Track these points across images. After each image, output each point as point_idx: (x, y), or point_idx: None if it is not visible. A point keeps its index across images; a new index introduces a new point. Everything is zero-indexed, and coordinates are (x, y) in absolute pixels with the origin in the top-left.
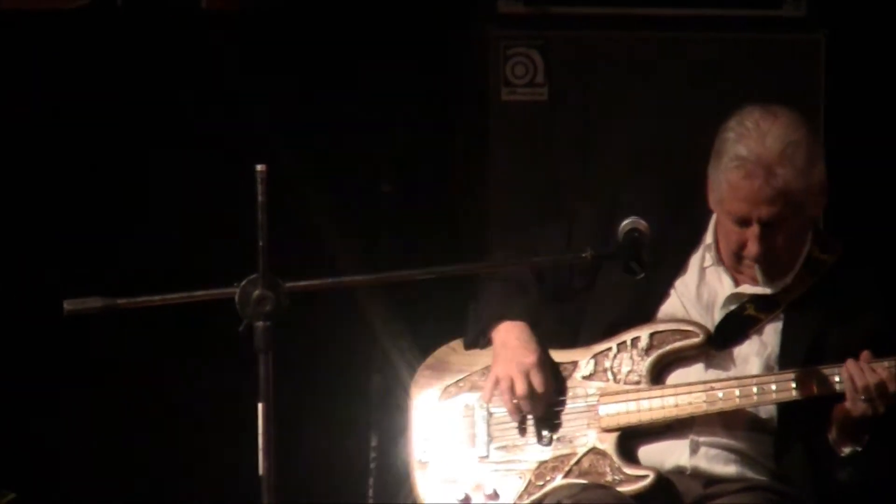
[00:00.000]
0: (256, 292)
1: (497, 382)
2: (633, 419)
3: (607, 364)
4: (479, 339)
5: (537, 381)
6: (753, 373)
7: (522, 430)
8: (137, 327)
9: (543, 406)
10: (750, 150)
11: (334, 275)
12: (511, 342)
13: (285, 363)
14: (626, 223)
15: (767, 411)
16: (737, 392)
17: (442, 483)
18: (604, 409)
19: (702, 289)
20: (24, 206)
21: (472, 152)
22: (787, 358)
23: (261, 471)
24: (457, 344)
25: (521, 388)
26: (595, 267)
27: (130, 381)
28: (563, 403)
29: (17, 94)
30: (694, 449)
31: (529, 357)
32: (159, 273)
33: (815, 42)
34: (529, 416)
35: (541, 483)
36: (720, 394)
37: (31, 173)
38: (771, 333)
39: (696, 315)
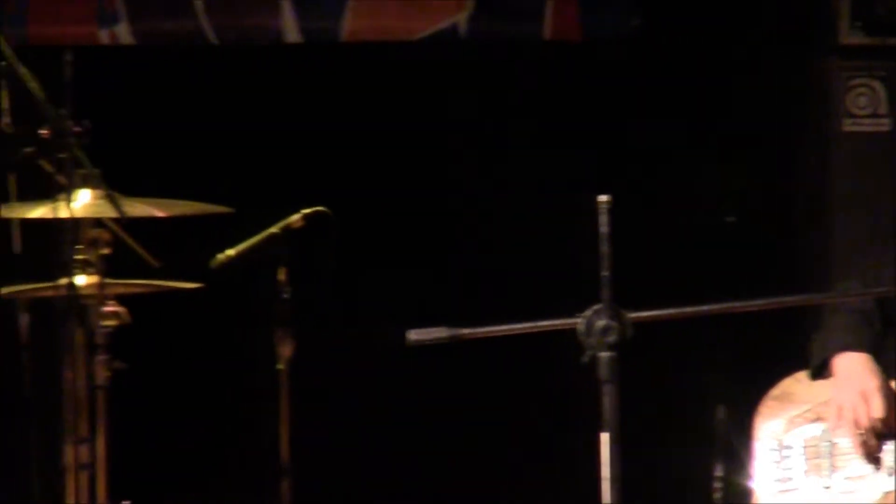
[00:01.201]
0: (601, 322)
1: (840, 412)
2: None
3: None
4: (822, 370)
5: (880, 411)
6: None
7: (866, 460)
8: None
9: (887, 435)
10: None
11: (676, 305)
12: (854, 373)
13: (628, 392)
14: None
15: None
16: None
17: None
18: None
19: None
20: (363, 227)
21: (814, 182)
22: None
23: (606, 499)
24: (802, 375)
25: (864, 418)
26: None
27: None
28: None
29: (362, 120)
30: None
31: (872, 387)
32: (496, 302)
33: None
34: (873, 446)
35: None
36: None
37: (377, 201)
38: None
39: None
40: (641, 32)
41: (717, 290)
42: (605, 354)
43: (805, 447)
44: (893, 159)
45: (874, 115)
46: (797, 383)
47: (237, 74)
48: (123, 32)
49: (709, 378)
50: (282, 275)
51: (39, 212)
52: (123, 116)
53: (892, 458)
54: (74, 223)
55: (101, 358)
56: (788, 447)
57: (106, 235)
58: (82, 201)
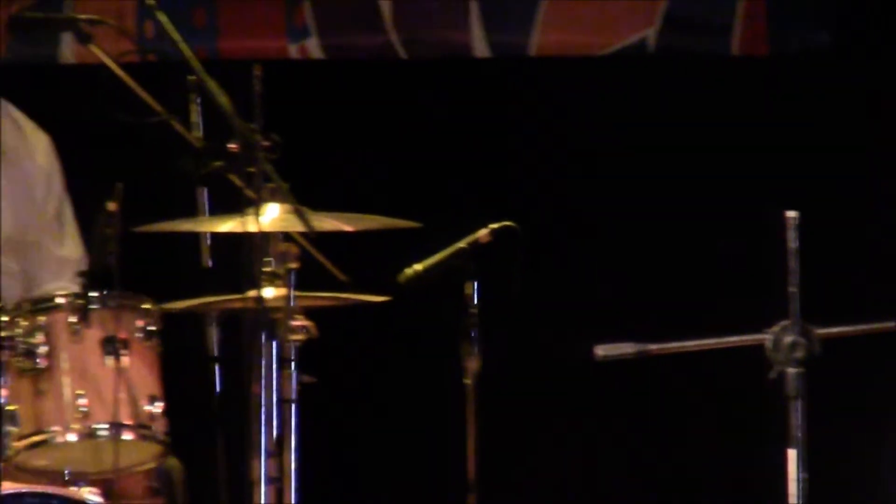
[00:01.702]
0: (789, 339)
1: None
2: None
3: None
4: None
5: None
6: None
7: None
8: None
9: None
10: None
11: (868, 321)
12: None
13: (817, 408)
14: None
15: None
16: None
17: None
18: None
19: None
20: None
21: None
22: None
23: None
24: None
25: None
26: None
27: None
28: None
29: (548, 134)
30: None
31: None
32: (683, 317)
33: None
34: None
35: None
36: None
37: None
38: None
39: None
40: (830, 46)
41: None
42: (792, 370)
43: None
44: None
45: None
46: None
47: (425, 88)
48: (313, 47)
49: None
50: (469, 289)
51: (228, 226)
52: (312, 130)
53: None
54: (263, 237)
55: (288, 371)
56: None
57: (294, 249)
58: (271, 215)
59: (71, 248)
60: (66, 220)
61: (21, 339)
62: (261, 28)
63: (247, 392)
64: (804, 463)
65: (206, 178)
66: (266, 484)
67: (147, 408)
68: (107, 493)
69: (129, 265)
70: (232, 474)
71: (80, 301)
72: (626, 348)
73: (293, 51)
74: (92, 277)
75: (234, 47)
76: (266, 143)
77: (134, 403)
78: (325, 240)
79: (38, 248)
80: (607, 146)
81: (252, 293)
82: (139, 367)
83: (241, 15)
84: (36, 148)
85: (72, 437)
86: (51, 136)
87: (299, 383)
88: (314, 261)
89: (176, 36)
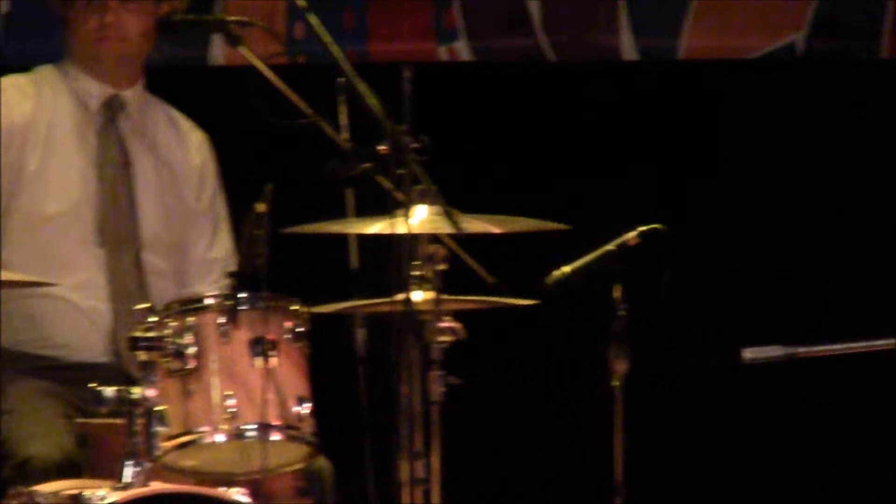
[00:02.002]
0: None
1: None
2: None
3: None
4: None
5: None
6: None
7: None
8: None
9: None
10: None
11: None
12: None
13: None
14: None
15: None
16: None
17: None
18: None
19: None
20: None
21: None
22: None
23: None
24: None
25: None
26: None
27: None
28: None
29: (694, 137)
30: None
31: None
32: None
33: None
34: None
35: None
36: None
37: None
38: None
39: None
40: None
41: None
42: None
43: None
44: None
45: None
46: None
47: (573, 91)
48: (462, 49)
49: None
50: (617, 292)
51: (377, 228)
52: (461, 132)
53: None
54: (411, 239)
55: (436, 373)
56: None
57: (442, 251)
58: (419, 217)
59: (220, 249)
60: (219, 220)
61: (170, 339)
62: (410, 30)
63: (394, 394)
64: None
65: (355, 179)
66: (413, 485)
67: (295, 409)
68: (255, 493)
69: (278, 266)
70: (379, 475)
71: (229, 302)
72: (773, 351)
73: (442, 53)
74: (241, 278)
75: (383, 49)
76: (415, 145)
77: (282, 404)
78: (473, 242)
79: (188, 248)
80: (756, 150)
81: (400, 295)
82: (287, 368)
83: (391, 17)
84: (190, 147)
85: (220, 438)
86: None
87: (446, 385)
88: (462, 263)
89: (326, 38)
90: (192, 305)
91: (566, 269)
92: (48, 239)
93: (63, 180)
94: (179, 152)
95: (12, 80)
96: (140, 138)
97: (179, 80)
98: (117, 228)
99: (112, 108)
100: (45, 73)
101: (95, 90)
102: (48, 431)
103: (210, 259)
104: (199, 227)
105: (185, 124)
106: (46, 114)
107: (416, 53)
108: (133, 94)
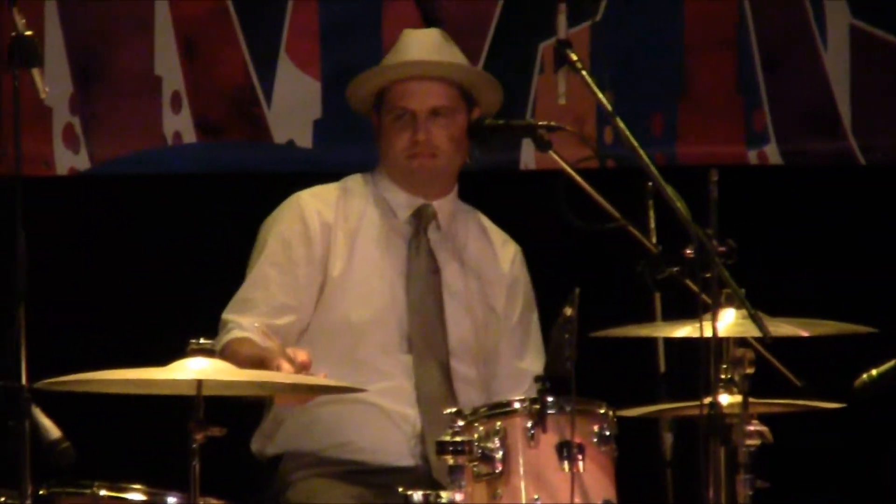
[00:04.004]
0: None
1: None
2: None
3: None
4: None
5: None
6: None
7: None
8: None
9: None
10: None
11: None
12: None
13: None
14: None
15: None
16: None
17: None
18: None
19: None
20: None
21: None
22: None
23: None
24: None
25: None
26: None
27: None
28: None
29: None
30: None
31: None
32: None
33: None
34: None
35: None
36: None
37: None
38: None
39: None
40: None
41: None
42: None
43: None
44: None
45: None
46: None
47: (883, 194)
48: (771, 152)
49: None
50: None
51: (684, 331)
52: (768, 235)
53: None
54: (718, 343)
55: (743, 477)
56: None
57: (750, 355)
58: (726, 321)
59: (531, 361)
60: (531, 332)
61: (478, 443)
62: (719, 134)
63: (701, 498)
64: None
65: (663, 283)
66: None
67: None
68: None
69: (586, 370)
70: None
71: (537, 406)
72: None
73: (752, 156)
74: (549, 382)
75: (692, 153)
76: (722, 249)
77: None
78: (780, 345)
79: (497, 358)
80: None
81: (707, 399)
82: (594, 472)
83: (700, 121)
84: (502, 257)
85: None
86: (520, 247)
87: (753, 489)
88: (769, 366)
89: (634, 143)
90: (499, 409)
91: (874, 372)
92: (352, 345)
93: (369, 288)
94: (490, 261)
95: (318, 190)
96: (449, 246)
97: (490, 184)
98: (425, 336)
99: (422, 218)
100: (354, 182)
101: (405, 201)
102: None
103: (520, 369)
104: (510, 339)
105: (499, 236)
106: (352, 222)
107: (725, 156)
108: (444, 204)
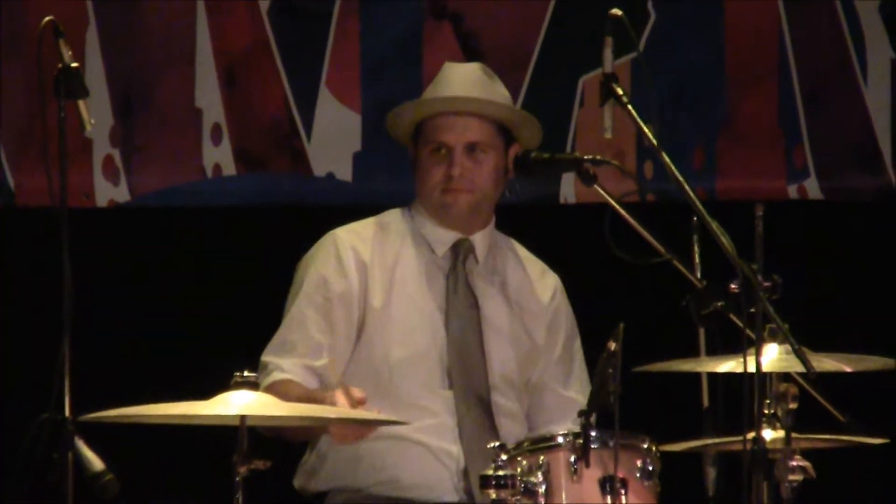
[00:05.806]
0: None
1: None
2: None
3: None
4: None
5: None
6: None
7: None
8: None
9: None
10: None
11: None
12: None
13: None
14: None
15: None
16: None
17: None
18: None
19: None
20: None
21: None
22: None
23: None
24: None
25: None
26: None
27: None
28: None
29: None
30: None
31: None
32: None
33: None
34: None
35: None
36: None
37: None
38: None
39: None
40: None
41: None
42: None
43: None
44: None
45: None
46: None
47: None
48: (812, 187)
49: None
50: None
51: (728, 366)
52: (812, 270)
53: None
54: (762, 378)
55: None
56: None
57: (794, 390)
58: (770, 356)
59: (576, 392)
60: (575, 360)
61: (521, 477)
62: (759, 168)
63: None
64: None
65: (707, 318)
66: None
67: None
68: None
69: (629, 404)
70: None
71: (580, 440)
72: None
73: (792, 191)
74: (592, 416)
75: (732, 187)
76: (766, 284)
77: None
78: (824, 380)
79: (541, 391)
80: None
81: (751, 434)
82: None
83: (741, 156)
84: (541, 288)
85: None
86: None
87: None
88: (813, 401)
89: (679, 177)
90: (542, 444)
91: None
92: (393, 382)
93: (409, 325)
94: (529, 293)
95: (354, 226)
96: (488, 279)
97: (533, 218)
98: (465, 372)
99: (460, 252)
100: (391, 216)
101: (443, 236)
102: None
103: (567, 398)
104: (552, 371)
105: (536, 266)
106: (389, 258)
107: (765, 191)
108: (482, 237)
